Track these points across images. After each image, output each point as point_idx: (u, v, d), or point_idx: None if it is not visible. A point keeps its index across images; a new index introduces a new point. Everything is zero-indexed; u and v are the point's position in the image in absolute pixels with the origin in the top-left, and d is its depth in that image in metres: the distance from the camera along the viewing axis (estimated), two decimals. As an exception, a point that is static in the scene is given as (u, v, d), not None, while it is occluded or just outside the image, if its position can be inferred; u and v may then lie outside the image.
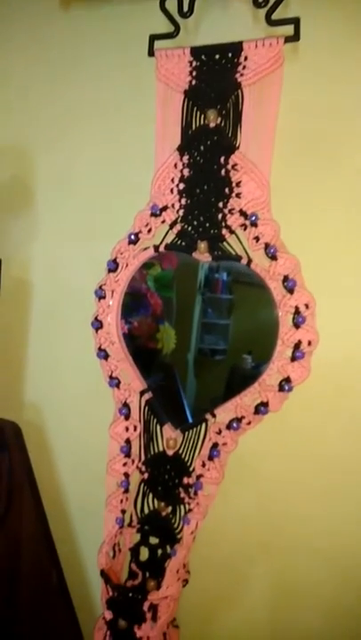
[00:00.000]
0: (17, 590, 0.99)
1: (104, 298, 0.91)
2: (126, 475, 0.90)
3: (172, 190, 0.85)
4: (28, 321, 1.09)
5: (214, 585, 0.92)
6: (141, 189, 0.88)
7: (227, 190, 0.80)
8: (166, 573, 0.85)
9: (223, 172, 0.80)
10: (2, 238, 1.08)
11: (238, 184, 0.80)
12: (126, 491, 0.91)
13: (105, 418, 0.93)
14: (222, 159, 0.80)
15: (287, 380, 0.79)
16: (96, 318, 0.92)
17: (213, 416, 0.85)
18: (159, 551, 0.92)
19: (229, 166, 0.80)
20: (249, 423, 0.82)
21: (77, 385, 1.04)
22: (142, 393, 0.90)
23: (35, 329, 1.08)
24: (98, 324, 0.91)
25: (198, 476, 0.85)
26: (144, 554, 0.94)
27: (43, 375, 1.08)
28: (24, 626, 1.02)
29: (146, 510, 0.92)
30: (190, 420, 0.89)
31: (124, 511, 0.91)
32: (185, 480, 0.87)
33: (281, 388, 0.79)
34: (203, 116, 0.82)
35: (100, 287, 0.91)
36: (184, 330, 0.94)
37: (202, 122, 0.82)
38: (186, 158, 0.83)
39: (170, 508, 0.90)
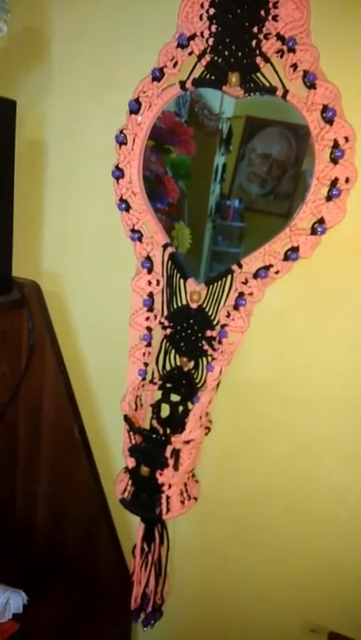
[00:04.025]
0: (39, 443, 1.02)
1: (125, 144, 0.85)
2: (149, 329, 0.89)
3: (201, 17, 0.77)
4: (44, 184, 1.04)
5: (234, 436, 0.94)
6: (165, 25, 0.81)
7: (262, 12, 0.73)
8: (189, 418, 0.85)
9: (259, -10, 0.72)
10: (15, 96, 1.01)
11: (275, 5, 0.72)
12: (149, 344, 0.90)
13: (124, 282, 0.91)
14: (258, -25, 0.72)
15: (321, 221, 0.75)
16: (117, 167, 0.87)
17: (240, 267, 0.82)
18: (180, 408, 0.93)
19: (266, -17, 0.72)
20: (277, 272, 0.80)
21: (96, 248, 1.01)
22: (165, 246, 0.87)
23: (50, 192, 1.04)
24: (119, 173, 0.87)
25: (223, 326, 0.83)
26: (165, 410, 0.95)
27: (60, 242, 1.05)
28: (46, 479, 1.05)
29: (168, 367, 0.92)
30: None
31: (146, 364, 0.90)
32: (208, 333, 0.86)
33: (313, 231, 0.76)
34: None
35: (121, 132, 0.85)
36: (198, 232, 0.90)
37: None
38: (217, -22, 0.75)
39: (192, 363, 0.90)
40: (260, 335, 0.86)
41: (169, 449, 0.85)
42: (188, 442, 0.85)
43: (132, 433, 0.89)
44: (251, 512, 0.98)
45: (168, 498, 0.90)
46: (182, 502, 0.92)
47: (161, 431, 0.94)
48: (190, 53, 0.78)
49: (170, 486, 0.89)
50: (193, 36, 0.78)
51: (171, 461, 0.86)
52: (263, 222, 0.84)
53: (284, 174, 0.80)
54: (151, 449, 0.86)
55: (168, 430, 0.94)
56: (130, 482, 0.93)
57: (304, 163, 0.77)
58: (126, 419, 0.89)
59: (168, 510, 0.90)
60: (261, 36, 0.73)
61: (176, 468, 0.87)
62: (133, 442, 0.89)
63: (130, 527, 1.10)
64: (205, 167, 0.86)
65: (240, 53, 0.75)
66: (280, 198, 0.81)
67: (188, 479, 0.93)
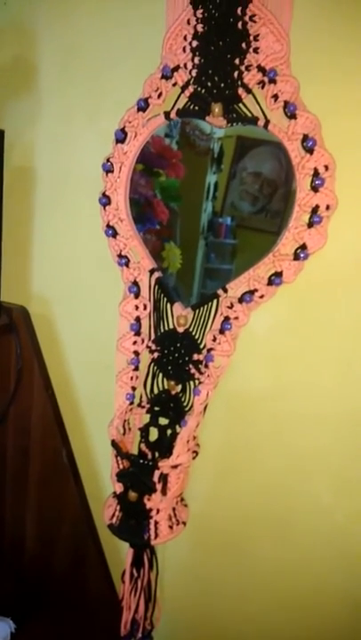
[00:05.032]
0: (27, 467, 1.01)
1: (112, 172, 0.87)
2: (136, 353, 0.90)
3: (184, 49, 0.79)
4: (33, 210, 1.05)
5: (224, 458, 0.94)
6: (151, 55, 0.83)
7: (244, 45, 0.75)
8: (177, 442, 0.85)
9: (240, 24, 0.74)
10: (4, 124, 1.03)
11: (256, 37, 0.74)
12: (136, 368, 0.90)
13: (113, 306, 0.92)
14: (239, 10, 0.74)
15: (303, 247, 0.76)
16: (104, 194, 0.88)
17: (225, 291, 0.83)
18: (168, 431, 0.93)
19: (247, 18, 0.74)
20: (262, 296, 0.81)
21: (85, 273, 1.01)
22: (152, 271, 0.87)
23: (39, 218, 1.05)
24: (106, 200, 0.88)
25: (209, 350, 0.84)
26: (153, 434, 0.95)
27: (49, 267, 1.06)
28: (34, 503, 1.05)
29: (155, 391, 0.92)
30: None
31: (134, 388, 0.91)
32: (195, 357, 0.87)
33: (296, 257, 0.77)
34: (218, -36, 0.75)
35: (108, 160, 0.87)
36: (189, 252, 0.91)
37: (217, -30, 0.75)
38: (200, 12, 0.77)
39: (180, 387, 0.90)
40: (249, 356, 0.87)
41: (157, 474, 0.85)
42: (175, 466, 0.85)
43: (119, 458, 0.88)
44: (240, 533, 0.97)
45: (156, 523, 0.89)
46: (171, 527, 0.91)
47: (150, 455, 0.94)
48: (174, 84, 0.80)
49: (158, 511, 0.89)
50: (177, 68, 0.79)
51: (159, 486, 0.86)
52: (255, 239, 0.85)
53: (275, 192, 0.82)
54: (139, 474, 0.86)
55: (157, 454, 0.94)
56: (118, 507, 0.92)
57: (294, 182, 0.78)
58: (114, 444, 0.89)
59: (157, 536, 0.90)
60: (243, 68, 0.75)
61: (164, 492, 0.87)
62: (121, 467, 0.89)
63: (119, 551, 1.09)
64: (197, 186, 0.87)
65: (222, 84, 0.77)
66: (271, 216, 0.82)
67: (176, 504, 0.93)
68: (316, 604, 0.94)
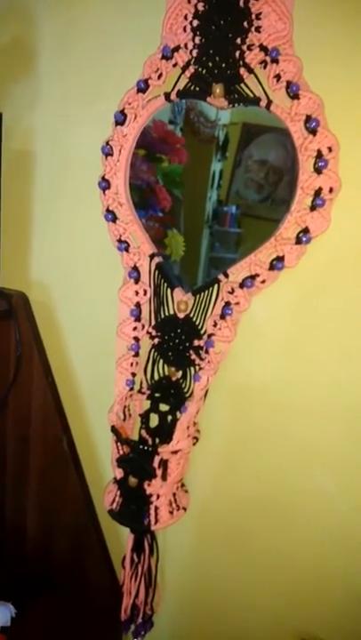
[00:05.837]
0: (28, 455, 1.01)
1: (111, 155, 0.86)
2: (136, 339, 0.89)
3: (184, 28, 0.77)
4: (32, 195, 1.04)
5: (226, 445, 0.93)
6: (151, 36, 0.81)
7: (245, 24, 0.73)
8: (177, 428, 0.85)
9: (242, 2, 0.73)
10: (3, 107, 1.01)
11: (258, 16, 0.72)
12: (136, 354, 0.90)
13: (113, 292, 0.91)
14: (241, -13, 0.72)
15: (305, 230, 0.75)
16: (103, 178, 0.87)
17: (226, 276, 0.82)
18: (169, 417, 0.93)
19: (249, -5, 0.72)
20: (263, 281, 0.80)
21: (85, 258, 1.01)
22: (152, 256, 0.87)
23: (39, 203, 1.04)
24: (105, 184, 0.87)
25: (210, 335, 0.83)
26: (154, 420, 0.94)
27: (49, 252, 1.05)
28: (35, 490, 1.05)
29: (156, 377, 0.91)
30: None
31: (134, 374, 0.90)
32: (196, 342, 0.86)
33: (298, 241, 0.76)
34: None
35: (107, 143, 0.85)
36: (193, 240, 0.90)
37: None
38: (200, -10, 0.75)
39: (180, 373, 0.89)
40: (250, 343, 0.86)
41: (157, 459, 0.85)
42: (175, 452, 0.85)
43: (119, 444, 0.88)
44: (241, 520, 0.97)
45: (157, 508, 0.89)
46: (171, 513, 0.91)
47: (150, 441, 0.94)
48: (175, 65, 0.79)
49: (158, 497, 0.89)
50: (177, 48, 0.78)
51: (159, 472, 0.86)
52: (260, 228, 0.83)
53: (280, 180, 0.80)
54: (139, 459, 0.86)
55: (157, 440, 0.94)
56: (118, 493, 0.92)
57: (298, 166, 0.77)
58: (113, 429, 0.88)
59: (157, 521, 0.90)
60: (245, 47, 0.74)
61: (164, 478, 0.87)
62: (121, 452, 0.89)
63: (120, 537, 1.10)
64: (202, 174, 0.86)
65: (224, 64, 0.76)
66: (277, 204, 0.81)
67: (176, 489, 0.92)
68: (318, 593, 0.93)
